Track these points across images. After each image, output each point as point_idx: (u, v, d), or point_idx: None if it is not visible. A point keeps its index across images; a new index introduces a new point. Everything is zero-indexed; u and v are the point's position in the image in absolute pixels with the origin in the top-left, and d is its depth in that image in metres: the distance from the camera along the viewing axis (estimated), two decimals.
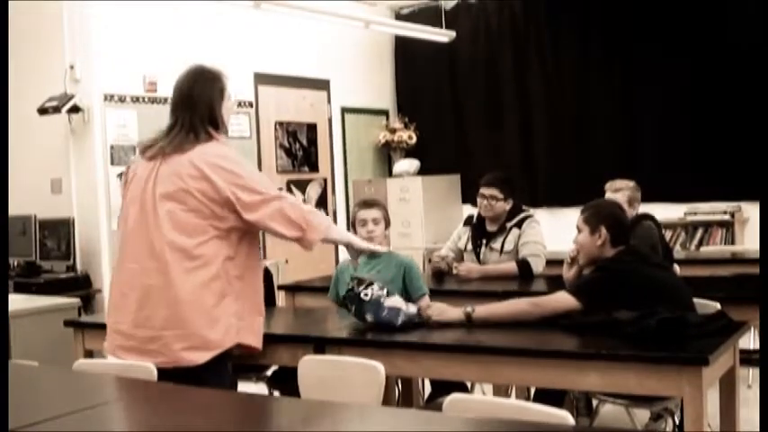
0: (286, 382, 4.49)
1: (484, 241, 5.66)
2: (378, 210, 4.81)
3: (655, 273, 3.94)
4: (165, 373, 3.40)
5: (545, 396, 3.95)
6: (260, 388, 4.89)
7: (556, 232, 6.65)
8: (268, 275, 5.15)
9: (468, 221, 5.87)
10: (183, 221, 3.55)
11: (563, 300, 3.87)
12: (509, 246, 5.56)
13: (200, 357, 3.50)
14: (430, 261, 5.83)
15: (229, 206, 3.56)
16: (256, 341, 3.75)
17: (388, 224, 4.84)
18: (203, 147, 3.61)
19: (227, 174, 3.56)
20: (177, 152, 3.60)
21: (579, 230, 4.12)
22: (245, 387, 4.76)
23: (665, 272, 4.04)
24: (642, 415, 4.54)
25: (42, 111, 6.95)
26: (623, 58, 8.67)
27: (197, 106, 3.65)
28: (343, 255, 8.67)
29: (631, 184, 5.34)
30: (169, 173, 3.58)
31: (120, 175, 6.96)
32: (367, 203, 4.96)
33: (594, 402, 4.50)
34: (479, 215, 5.75)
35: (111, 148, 7.04)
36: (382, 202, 5.04)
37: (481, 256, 5.64)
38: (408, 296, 4.78)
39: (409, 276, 4.75)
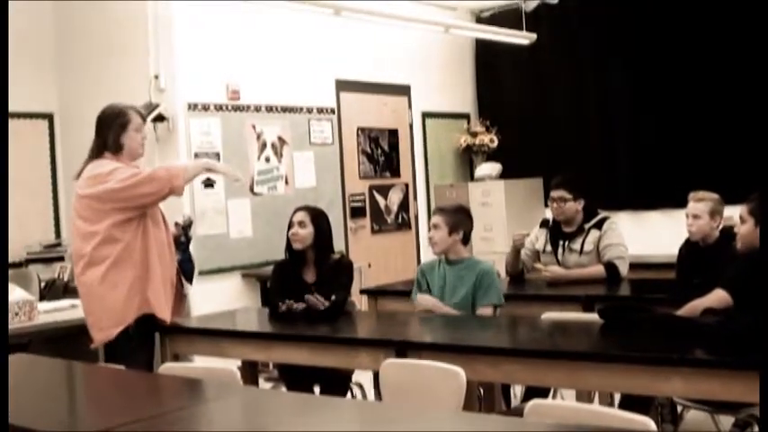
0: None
1: (562, 243, 5.61)
2: (438, 215, 4.84)
3: None
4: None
5: (631, 403, 3.90)
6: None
7: (638, 235, 6.56)
8: (349, 272, 5.03)
9: (545, 224, 5.80)
10: (91, 221, 4.39)
11: (718, 297, 3.88)
12: (588, 246, 5.49)
13: (111, 334, 4.36)
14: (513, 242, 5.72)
15: (112, 201, 4.36)
16: (162, 312, 4.49)
17: (454, 229, 4.78)
18: (98, 161, 4.48)
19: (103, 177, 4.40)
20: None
21: (743, 221, 4.08)
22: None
23: None
24: (729, 422, 4.44)
25: None
26: (715, 59, 8.32)
27: (100, 135, 4.56)
28: (424, 257, 8.71)
29: (715, 196, 5.10)
30: (79, 183, 4.50)
31: (203, 181, 7.10)
32: (434, 210, 5.02)
33: (679, 408, 4.43)
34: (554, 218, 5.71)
35: (196, 155, 7.16)
36: (456, 206, 4.98)
37: (560, 258, 5.58)
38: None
39: (480, 283, 4.72)
